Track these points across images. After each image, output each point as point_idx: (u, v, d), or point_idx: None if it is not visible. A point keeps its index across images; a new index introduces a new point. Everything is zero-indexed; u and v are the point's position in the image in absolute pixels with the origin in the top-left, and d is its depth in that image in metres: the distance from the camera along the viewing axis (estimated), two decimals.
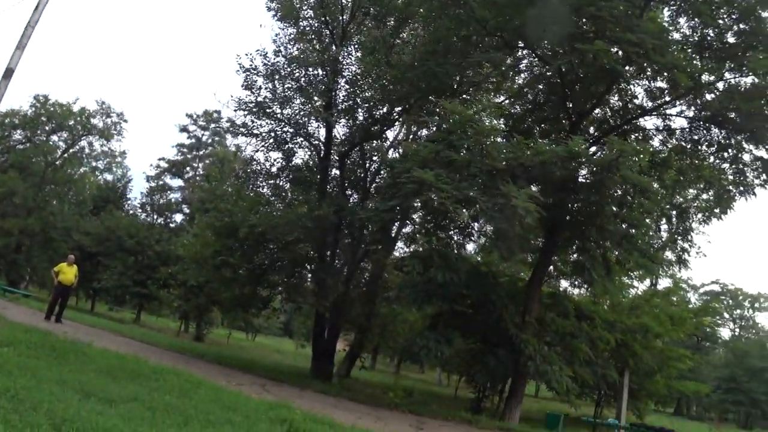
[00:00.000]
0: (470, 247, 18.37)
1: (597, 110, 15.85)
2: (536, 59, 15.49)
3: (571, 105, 14.90)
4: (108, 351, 10.68)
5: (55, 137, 43.22)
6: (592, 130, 16.45)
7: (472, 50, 14.15)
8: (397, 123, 19.02)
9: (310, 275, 18.64)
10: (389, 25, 18.06)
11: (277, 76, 17.82)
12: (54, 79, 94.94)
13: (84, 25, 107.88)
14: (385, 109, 18.08)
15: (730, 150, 14.75)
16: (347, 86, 18.13)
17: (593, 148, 14.53)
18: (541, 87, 16.00)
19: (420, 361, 20.02)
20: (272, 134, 18.37)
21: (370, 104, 18.05)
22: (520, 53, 15.96)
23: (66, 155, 44.12)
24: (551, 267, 17.60)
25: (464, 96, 16.81)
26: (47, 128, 42.54)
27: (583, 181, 12.84)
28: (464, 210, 11.78)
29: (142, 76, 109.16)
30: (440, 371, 32.79)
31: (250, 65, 17.66)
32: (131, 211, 44.51)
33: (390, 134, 19.82)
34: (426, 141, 13.77)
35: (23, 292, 30.94)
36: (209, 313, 30.86)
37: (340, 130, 18.61)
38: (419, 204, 12.40)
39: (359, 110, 18.29)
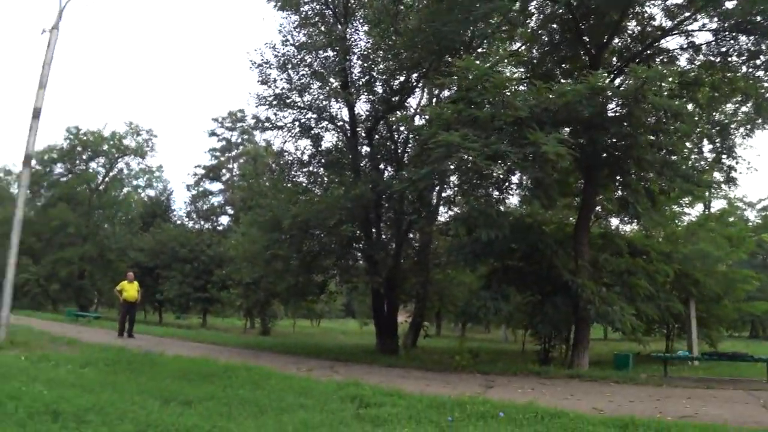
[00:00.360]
0: (514, 200, 18.28)
1: (615, 40, 15.20)
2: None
3: (587, 39, 14.47)
4: (180, 357, 11.17)
5: (93, 164, 44.94)
6: (614, 60, 15.98)
7: (476, 3, 13.85)
8: (417, 89, 18.92)
9: (359, 254, 18.89)
10: None
11: (289, 66, 17.91)
12: (80, 108, 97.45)
13: (95, 52, 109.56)
14: (402, 78, 17.97)
15: (761, 56, 14.11)
16: (360, 62, 18.06)
17: (618, 80, 14.17)
18: (554, 26, 15.51)
19: (481, 321, 20.09)
20: (297, 123, 18.57)
21: (386, 76, 17.95)
22: None
23: (107, 179, 45.67)
24: (597, 207, 17.34)
25: (478, 50, 16.54)
26: (84, 157, 44.19)
27: (613, 115, 12.52)
28: (496, 165, 11.74)
29: (161, 89, 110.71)
30: (505, 328, 32.83)
31: (262, 60, 17.82)
32: (178, 221, 45.73)
33: (413, 101, 19.73)
34: (447, 102, 13.60)
35: (93, 314, 32.34)
36: (271, 306, 31.55)
37: (362, 107, 18.62)
38: (452, 166, 12.32)
39: (377, 83, 18.18)
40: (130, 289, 18.22)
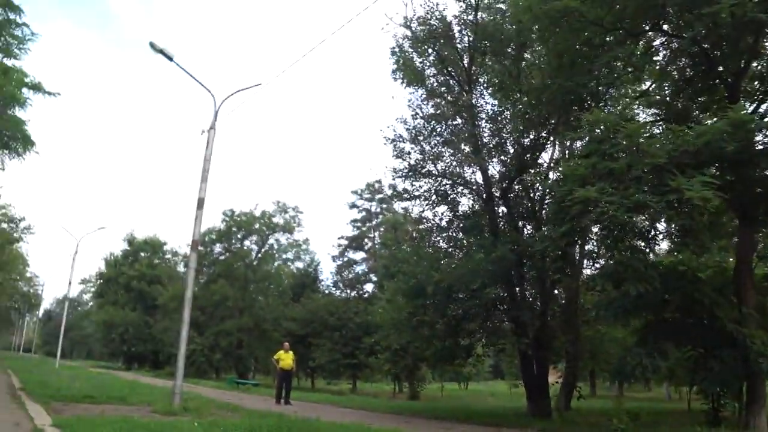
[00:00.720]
0: (664, 245, 17.37)
1: (754, 63, 13.98)
2: (666, 37, 14.65)
3: (722, 68, 13.65)
4: (335, 423, 11.64)
5: (247, 242, 48.93)
6: (756, 84, 14.75)
7: (597, 52, 13.74)
8: (548, 145, 18.90)
9: (504, 315, 18.73)
10: (510, 55, 18.13)
11: (421, 137, 18.82)
12: (233, 192, 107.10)
13: (243, 141, 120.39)
14: (532, 135, 18.10)
15: None
16: (489, 125, 18.50)
17: (763, 107, 13.20)
18: (683, 61, 14.88)
19: (638, 379, 18.80)
20: (433, 191, 19.21)
21: (515, 135, 18.19)
22: (648, 36, 15.06)
23: (260, 255, 49.22)
24: (759, 245, 15.93)
25: (606, 98, 16.26)
26: (239, 236, 48.31)
27: (762, 147, 11.68)
28: (638, 216, 11.35)
29: (304, 169, 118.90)
30: (667, 385, 30.34)
31: (395, 135, 18.89)
32: (326, 291, 47.68)
33: (546, 155, 19.70)
34: (580, 157, 13.49)
35: (252, 382, 34.40)
36: (418, 371, 31.73)
37: (495, 168, 18.96)
38: (591, 222, 12.07)
39: (507, 144, 18.52)
40: (287, 358, 19.37)
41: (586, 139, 13.55)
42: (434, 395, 34.38)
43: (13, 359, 56.32)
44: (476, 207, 19.64)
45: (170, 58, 15.92)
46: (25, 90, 14.34)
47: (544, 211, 18.20)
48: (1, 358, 62.91)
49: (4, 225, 29.81)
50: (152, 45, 15.74)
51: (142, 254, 64.79)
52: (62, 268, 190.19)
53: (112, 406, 13.68)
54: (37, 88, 14.51)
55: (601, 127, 11.95)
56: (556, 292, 19.10)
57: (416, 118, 18.97)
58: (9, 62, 13.59)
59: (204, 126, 16.53)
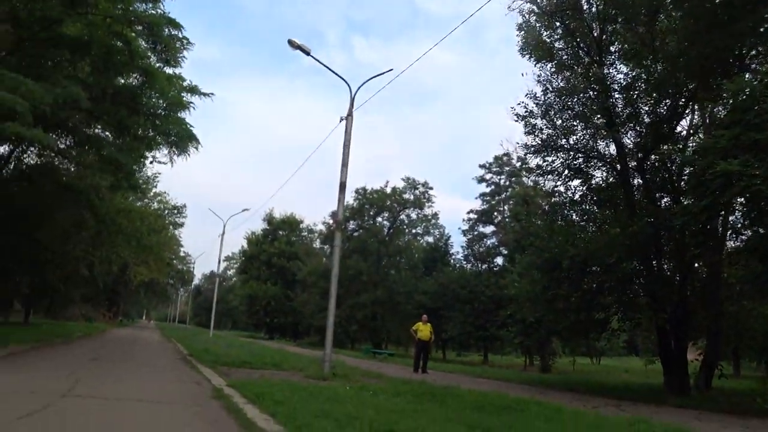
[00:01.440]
0: None
1: None
2: None
3: None
4: (473, 390, 12.33)
5: (379, 218, 50.62)
6: None
7: (738, 14, 12.92)
8: (686, 113, 18.03)
9: (640, 290, 18.35)
10: (642, 21, 17.38)
11: (552, 112, 18.58)
12: (365, 170, 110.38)
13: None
14: (668, 104, 17.39)
15: None
16: (622, 95, 17.95)
17: None
18: None
19: None
20: (565, 166, 19.06)
21: (650, 105, 17.56)
22: None
23: (391, 230, 50.81)
24: None
25: (750, 64, 15.21)
26: (371, 213, 50.06)
27: None
28: None
29: (432, 145, 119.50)
30: None
31: (525, 111, 18.80)
32: (457, 265, 48.39)
33: (684, 123, 18.79)
34: (720, 128, 12.89)
35: (388, 352, 36.03)
36: (550, 345, 31.67)
37: (630, 140, 18.43)
38: (735, 196, 11.65)
39: (642, 114, 17.89)
40: (425, 330, 20.39)
41: (728, 108, 12.96)
42: (566, 369, 34.10)
43: (173, 329, 62.78)
44: (611, 180, 19.26)
45: (307, 53, 17.06)
46: (184, 93, 16.06)
47: (682, 183, 17.51)
48: (162, 328, 70.41)
49: (166, 211, 33.27)
50: (291, 42, 16.94)
51: (281, 232, 69.17)
52: (206, 246, 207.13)
53: (268, 371, 15.30)
54: (193, 90, 16.18)
55: (745, 95, 11.43)
56: (696, 265, 18.28)
57: (546, 93, 18.74)
58: (169, 71, 15.18)
59: (342, 114, 17.67)
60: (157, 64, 14.89)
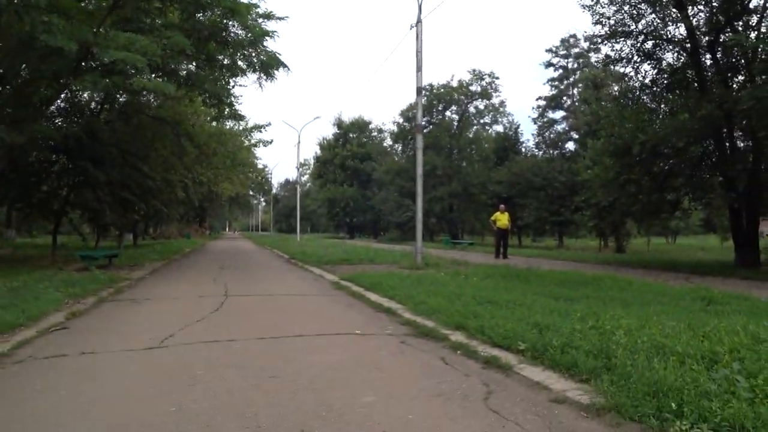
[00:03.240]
0: None
1: None
2: None
3: None
4: (553, 271, 13.93)
5: (447, 113, 51.09)
6: None
7: None
8: None
9: (710, 170, 18.89)
10: None
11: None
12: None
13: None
14: None
15: None
16: None
17: None
18: None
19: None
20: (634, 51, 19.25)
21: None
22: None
23: (461, 123, 51.39)
24: None
25: None
26: (439, 108, 50.54)
27: None
28: None
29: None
30: None
31: (593, 1, 18.88)
32: (529, 153, 48.92)
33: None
34: None
35: (467, 242, 37.96)
36: (624, 226, 32.51)
37: (700, 17, 18.28)
38: None
39: None
40: (503, 219, 21.94)
41: None
42: (641, 249, 35.11)
43: (260, 237, 67.25)
44: (681, 61, 19.34)
45: None
46: (260, 19, 17.23)
47: (758, 61, 17.47)
48: (249, 237, 75.34)
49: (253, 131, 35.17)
50: None
51: (351, 135, 70.83)
52: (280, 156, 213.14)
53: (366, 265, 17.37)
54: (268, 16, 17.20)
55: None
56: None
57: None
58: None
59: (412, 22, 18.52)
60: None
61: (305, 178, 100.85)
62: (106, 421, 3.74)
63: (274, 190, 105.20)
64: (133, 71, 12.50)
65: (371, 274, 13.37)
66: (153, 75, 14.24)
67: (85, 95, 21.43)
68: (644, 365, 4.41)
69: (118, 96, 21.32)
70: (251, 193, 76.16)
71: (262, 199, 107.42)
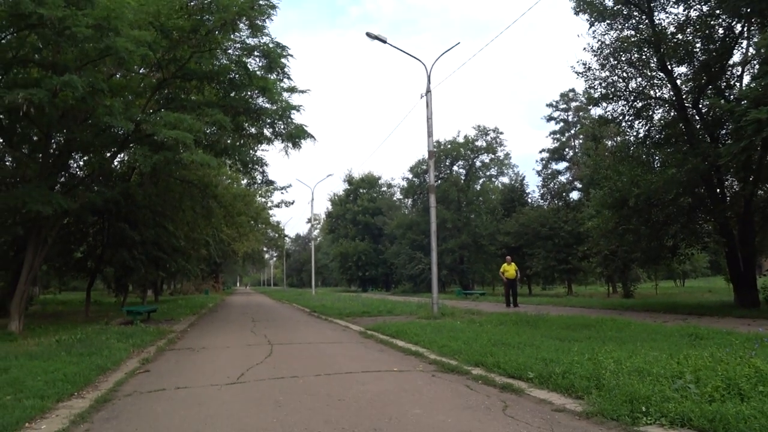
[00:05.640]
0: None
1: None
2: None
3: None
4: (561, 316, 15.25)
5: (455, 167, 53.04)
6: None
7: None
8: (739, 46, 19.33)
9: (704, 217, 20.22)
10: None
11: (607, 63, 20.33)
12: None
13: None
14: (718, 43, 18.78)
15: None
16: (675, 33, 19.23)
17: None
18: None
19: None
20: (626, 110, 20.98)
21: (700, 44, 18.98)
22: None
23: (468, 177, 53.24)
24: None
25: None
26: (447, 162, 52.49)
27: None
28: None
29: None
30: None
31: (583, 67, 20.76)
32: (534, 204, 50.37)
33: (737, 58, 20.05)
34: (755, 79, 14.68)
35: (479, 292, 39.08)
36: (630, 271, 33.56)
37: (684, 77, 19.94)
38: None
39: (695, 51, 19.20)
40: (510, 269, 23.32)
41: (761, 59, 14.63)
42: (648, 293, 36.04)
43: (274, 292, 68.60)
44: (671, 117, 20.87)
45: (384, 41, 19.76)
46: (285, 93, 19.08)
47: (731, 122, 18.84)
48: (263, 292, 76.79)
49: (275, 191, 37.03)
50: (368, 34, 19.69)
51: (361, 190, 72.95)
52: (291, 212, 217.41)
53: (385, 317, 18.62)
54: (292, 90, 19.05)
55: None
56: (760, 193, 19.78)
57: (602, 49, 20.54)
58: (272, 76, 18.17)
59: (422, 91, 20.33)
60: (264, 74, 17.90)
61: (316, 232, 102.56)
62: (229, 427, 5.13)
63: (286, 246, 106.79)
64: (182, 146, 14.18)
65: (393, 324, 14.63)
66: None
67: (116, 163, 23.31)
68: (625, 382, 5.79)
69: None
70: (264, 249, 77.80)
71: (274, 255, 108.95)
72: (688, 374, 5.88)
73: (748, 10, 16.30)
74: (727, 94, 18.88)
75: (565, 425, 5.02)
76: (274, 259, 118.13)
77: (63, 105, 13.75)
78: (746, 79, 19.10)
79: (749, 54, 18.98)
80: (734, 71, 19.73)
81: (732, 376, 5.51)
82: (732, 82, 19.47)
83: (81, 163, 22.03)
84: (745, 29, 18.53)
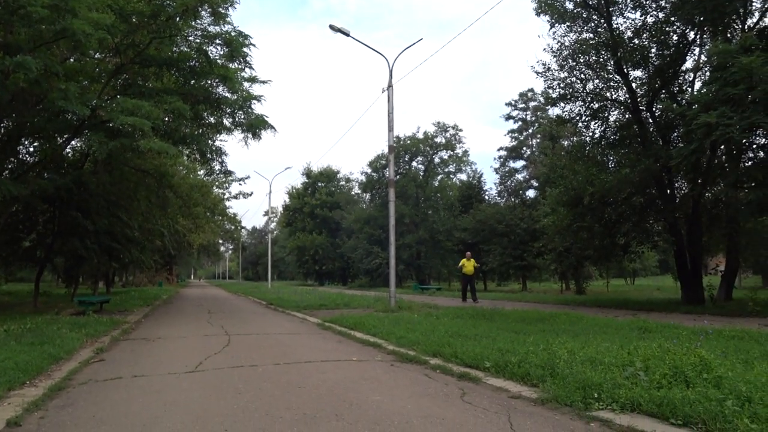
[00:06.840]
0: None
1: None
2: None
3: None
4: (516, 310, 15.55)
5: (414, 163, 53.24)
6: None
7: None
8: (692, 50, 19.98)
9: (655, 216, 20.89)
10: None
11: (566, 66, 20.85)
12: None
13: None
14: (672, 48, 19.43)
15: None
16: (632, 38, 19.81)
17: None
18: None
19: None
20: (583, 111, 21.53)
21: (657, 48, 19.59)
22: None
23: (426, 173, 53.55)
24: None
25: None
26: (406, 158, 52.67)
27: None
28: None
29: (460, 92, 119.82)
30: None
31: (543, 67, 21.20)
32: (492, 200, 51.06)
33: (690, 64, 20.78)
34: (704, 84, 15.33)
35: (435, 287, 39.48)
36: (583, 269, 34.40)
37: (639, 81, 20.59)
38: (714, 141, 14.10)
39: (650, 56, 19.79)
40: (468, 265, 23.63)
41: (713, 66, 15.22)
42: (600, 291, 37.02)
43: (228, 285, 67.87)
44: (626, 119, 21.50)
45: (347, 34, 19.72)
46: (245, 83, 18.88)
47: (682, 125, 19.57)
48: (218, 284, 75.82)
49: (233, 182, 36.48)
50: (332, 26, 19.64)
51: (320, 184, 72.59)
52: (249, 205, 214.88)
53: (342, 310, 18.66)
54: (253, 80, 18.89)
55: (720, 57, 13.84)
56: (707, 194, 20.54)
57: (561, 50, 21.02)
58: (233, 65, 17.95)
59: (384, 86, 20.39)
60: (225, 62, 17.67)
61: (273, 225, 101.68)
62: (189, 414, 5.10)
63: (242, 239, 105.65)
64: (139, 133, 13.89)
65: (351, 316, 14.69)
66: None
67: (68, 149, 22.66)
68: (578, 371, 5.98)
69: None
70: (220, 241, 76.75)
71: (229, 247, 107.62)
72: (637, 363, 6.10)
73: (701, 18, 17.00)
74: (679, 99, 19.53)
75: (521, 411, 5.16)
76: (230, 251, 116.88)
77: (14, 87, 13.32)
78: (698, 84, 19.97)
79: (701, 60, 19.70)
80: (687, 77, 20.47)
81: (679, 364, 5.76)
82: (684, 87, 20.18)
83: (32, 149, 21.40)
84: (698, 37, 19.25)
